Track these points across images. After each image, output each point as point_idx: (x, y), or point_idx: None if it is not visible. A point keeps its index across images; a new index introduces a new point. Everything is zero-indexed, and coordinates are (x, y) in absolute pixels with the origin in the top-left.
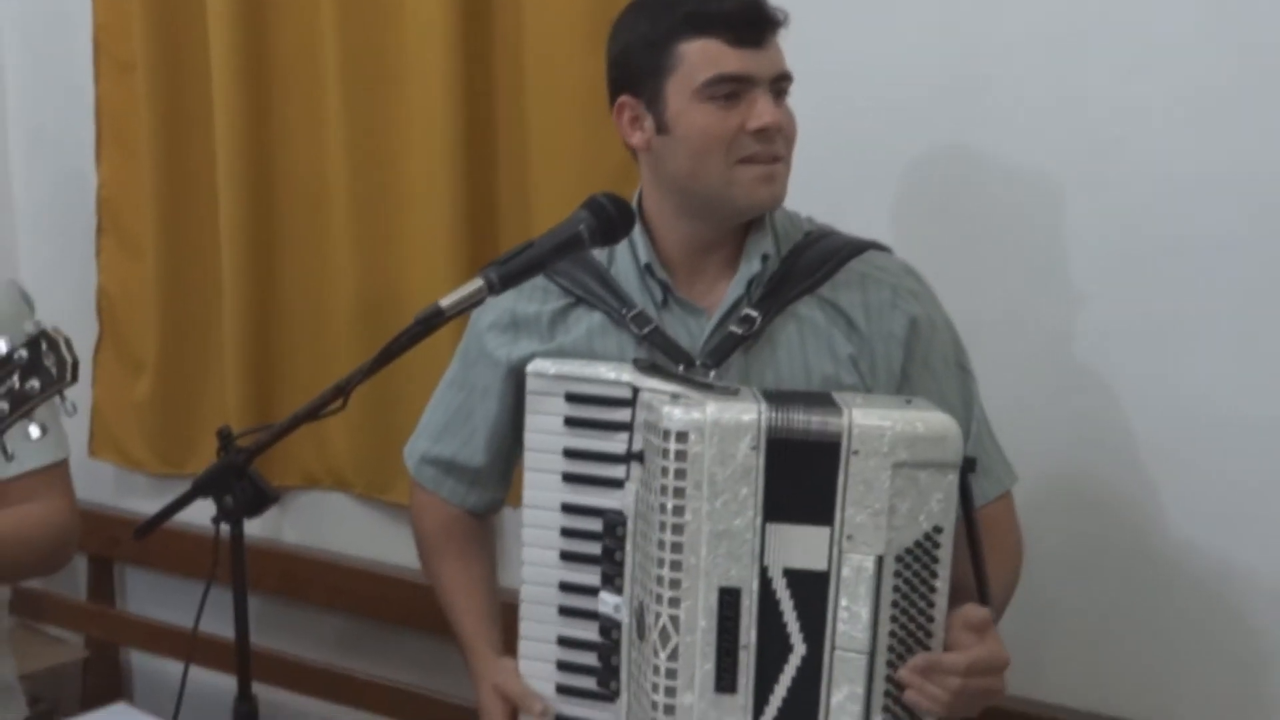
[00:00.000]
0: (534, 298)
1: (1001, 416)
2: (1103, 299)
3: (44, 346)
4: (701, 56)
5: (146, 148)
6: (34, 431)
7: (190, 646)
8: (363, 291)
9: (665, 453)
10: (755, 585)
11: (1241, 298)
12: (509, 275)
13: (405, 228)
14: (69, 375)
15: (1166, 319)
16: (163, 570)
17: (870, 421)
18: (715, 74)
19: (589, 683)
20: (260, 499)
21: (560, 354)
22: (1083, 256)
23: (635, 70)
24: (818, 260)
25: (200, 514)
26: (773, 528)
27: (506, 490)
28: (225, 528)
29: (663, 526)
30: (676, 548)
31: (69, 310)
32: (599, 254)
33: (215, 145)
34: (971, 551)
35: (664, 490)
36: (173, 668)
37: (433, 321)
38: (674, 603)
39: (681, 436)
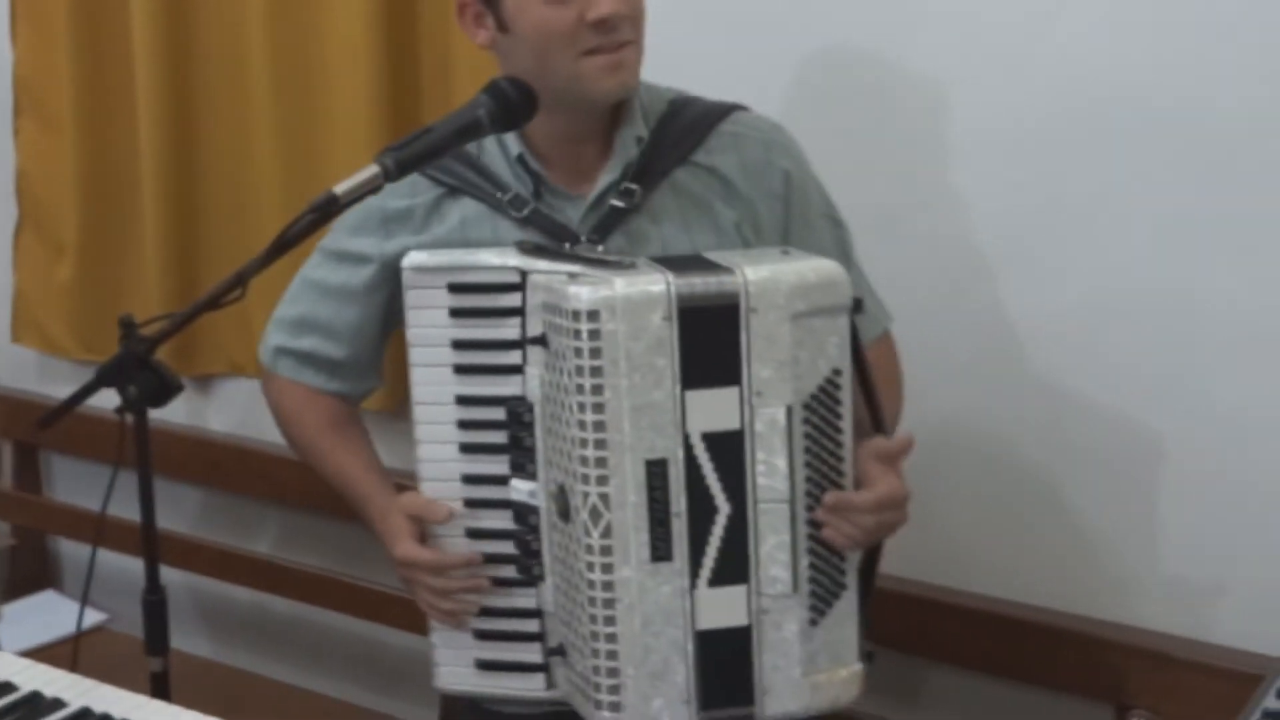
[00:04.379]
0: (402, 193)
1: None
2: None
3: None
4: None
5: (63, 25)
6: None
7: (97, 532)
8: (285, 174)
9: (576, 333)
10: (680, 453)
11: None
12: (405, 161)
13: (328, 111)
14: None
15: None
16: (88, 457)
17: (762, 276)
18: None
19: (509, 571)
20: (164, 388)
21: (436, 245)
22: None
23: None
24: (688, 127)
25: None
26: (690, 394)
27: (377, 381)
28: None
29: (581, 407)
30: (599, 426)
31: None
32: (469, 146)
33: (131, 21)
34: (865, 389)
35: (579, 371)
36: (102, 555)
37: (328, 209)
38: (602, 480)
39: (593, 315)
